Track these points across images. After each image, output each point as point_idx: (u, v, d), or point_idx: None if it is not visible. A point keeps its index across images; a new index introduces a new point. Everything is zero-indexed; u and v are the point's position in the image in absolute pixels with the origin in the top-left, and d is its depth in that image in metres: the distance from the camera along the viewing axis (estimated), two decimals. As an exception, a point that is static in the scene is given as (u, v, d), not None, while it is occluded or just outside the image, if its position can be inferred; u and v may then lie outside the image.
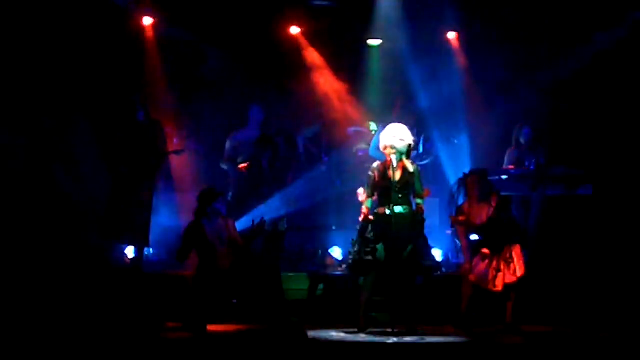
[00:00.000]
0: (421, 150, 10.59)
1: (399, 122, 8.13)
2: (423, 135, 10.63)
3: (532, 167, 10.07)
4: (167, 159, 9.88)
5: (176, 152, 9.89)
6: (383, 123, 10.29)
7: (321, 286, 9.03)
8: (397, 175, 7.92)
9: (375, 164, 8.07)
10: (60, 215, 9.74)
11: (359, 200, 8.15)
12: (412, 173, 7.96)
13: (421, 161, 10.39)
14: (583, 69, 10.95)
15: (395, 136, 7.96)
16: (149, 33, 10.88)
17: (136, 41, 10.82)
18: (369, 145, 10.25)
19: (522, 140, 10.35)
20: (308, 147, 10.76)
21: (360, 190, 8.09)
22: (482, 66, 11.17)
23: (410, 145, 8.02)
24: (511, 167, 10.24)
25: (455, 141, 10.66)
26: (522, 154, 10.30)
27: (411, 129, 8.19)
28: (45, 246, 9.37)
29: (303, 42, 11.41)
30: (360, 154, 10.63)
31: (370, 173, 8.05)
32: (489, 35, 11.21)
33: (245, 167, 10.04)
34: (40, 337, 7.45)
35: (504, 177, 10.00)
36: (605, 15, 10.86)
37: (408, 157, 8.00)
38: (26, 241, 9.32)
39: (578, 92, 10.93)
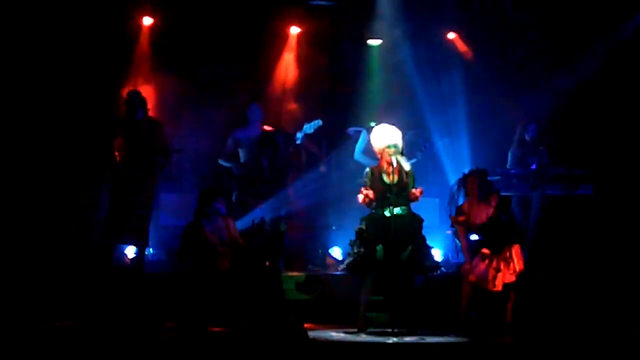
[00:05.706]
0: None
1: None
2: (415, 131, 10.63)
3: (534, 166, 10.07)
4: (169, 158, 9.87)
5: (176, 151, 9.88)
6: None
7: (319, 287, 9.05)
8: (395, 177, 7.91)
9: (367, 169, 8.05)
10: (60, 216, 9.76)
11: (358, 203, 8.10)
12: (408, 172, 7.96)
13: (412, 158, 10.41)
14: (583, 68, 10.95)
15: (397, 136, 7.96)
16: (149, 32, 10.88)
17: (135, 40, 10.82)
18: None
19: (527, 137, 10.30)
20: (308, 147, 10.74)
21: (361, 196, 8.06)
22: (482, 66, 11.17)
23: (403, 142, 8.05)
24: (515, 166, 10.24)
25: (440, 142, 10.60)
26: (526, 153, 10.28)
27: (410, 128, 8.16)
28: (46, 246, 9.40)
29: (303, 41, 11.41)
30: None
31: (364, 179, 8.03)
32: (489, 36, 11.21)
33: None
34: (41, 337, 7.45)
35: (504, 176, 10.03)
36: (608, 17, 10.85)
37: (402, 155, 8.00)
38: (27, 241, 9.35)
39: (578, 92, 10.92)
